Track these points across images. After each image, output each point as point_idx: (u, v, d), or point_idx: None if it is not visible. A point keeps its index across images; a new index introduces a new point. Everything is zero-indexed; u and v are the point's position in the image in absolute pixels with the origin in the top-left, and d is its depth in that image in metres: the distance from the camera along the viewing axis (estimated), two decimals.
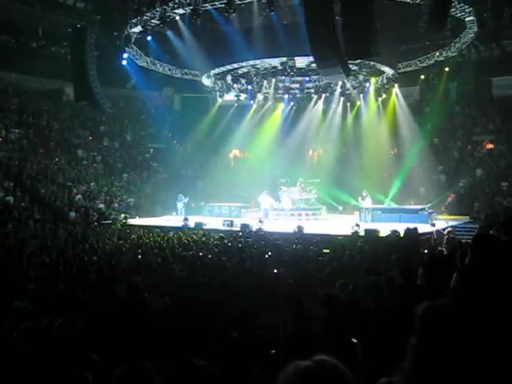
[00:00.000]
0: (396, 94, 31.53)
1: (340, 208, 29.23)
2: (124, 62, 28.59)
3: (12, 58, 33.36)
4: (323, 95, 32.27)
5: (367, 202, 23.77)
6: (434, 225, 20.66)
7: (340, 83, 29.56)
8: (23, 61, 33.72)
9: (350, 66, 22.46)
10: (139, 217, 28.05)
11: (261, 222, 21.60)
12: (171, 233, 19.82)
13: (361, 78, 29.70)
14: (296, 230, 18.70)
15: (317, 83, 30.99)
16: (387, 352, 2.89)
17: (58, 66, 33.87)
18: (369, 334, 3.30)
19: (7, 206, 24.70)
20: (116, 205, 29.15)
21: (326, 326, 3.49)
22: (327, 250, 12.10)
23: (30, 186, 27.45)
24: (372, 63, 26.02)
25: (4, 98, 33.48)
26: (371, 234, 17.68)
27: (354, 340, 2.97)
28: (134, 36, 25.94)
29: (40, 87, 36.94)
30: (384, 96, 30.82)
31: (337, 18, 18.51)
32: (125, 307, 6.24)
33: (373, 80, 29.18)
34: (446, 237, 15.47)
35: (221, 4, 22.11)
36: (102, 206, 28.34)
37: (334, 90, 31.23)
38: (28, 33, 35.56)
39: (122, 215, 26.61)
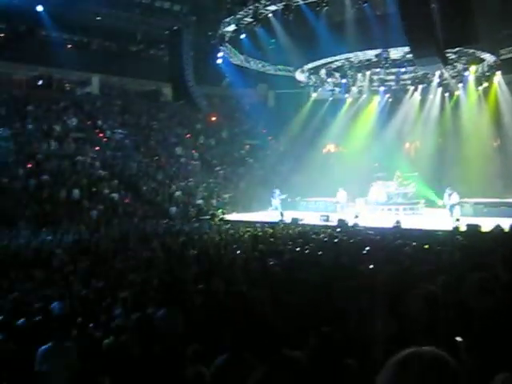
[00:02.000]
0: (498, 82, 29.95)
1: (440, 202, 28.24)
2: (219, 61, 29.19)
3: (114, 62, 35.08)
4: (420, 86, 31.40)
5: (454, 199, 22.64)
6: None
7: (437, 73, 28.55)
8: (124, 64, 35.33)
9: (448, 54, 21.65)
10: (236, 212, 28.58)
11: (357, 217, 21.32)
12: (268, 228, 20.01)
13: (459, 66, 28.48)
14: (395, 224, 18.26)
15: (413, 74, 30.16)
16: (493, 352, 2.79)
17: (155, 68, 35.16)
18: (474, 333, 3.19)
19: (112, 203, 26.02)
20: (214, 201, 29.83)
21: (428, 325, 3.41)
22: (427, 246, 11.74)
23: (132, 184, 28.73)
24: (471, 51, 24.88)
25: (108, 100, 35.27)
26: (473, 229, 16.92)
27: (459, 338, 2.88)
28: (228, 35, 26.44)
29: (140, 88, 38.58)
30: (485, 84, 29.39)
31: (432, 4, 17.89)
32: (224, 300, 6.41)
33: (472, 68, 27.81)
34: None
35: None
36: (200, 201, 29.13)
37: (431, 81, 30.31)
38: (128, 38, 37.19)
39: (220, 211, 27.23)
